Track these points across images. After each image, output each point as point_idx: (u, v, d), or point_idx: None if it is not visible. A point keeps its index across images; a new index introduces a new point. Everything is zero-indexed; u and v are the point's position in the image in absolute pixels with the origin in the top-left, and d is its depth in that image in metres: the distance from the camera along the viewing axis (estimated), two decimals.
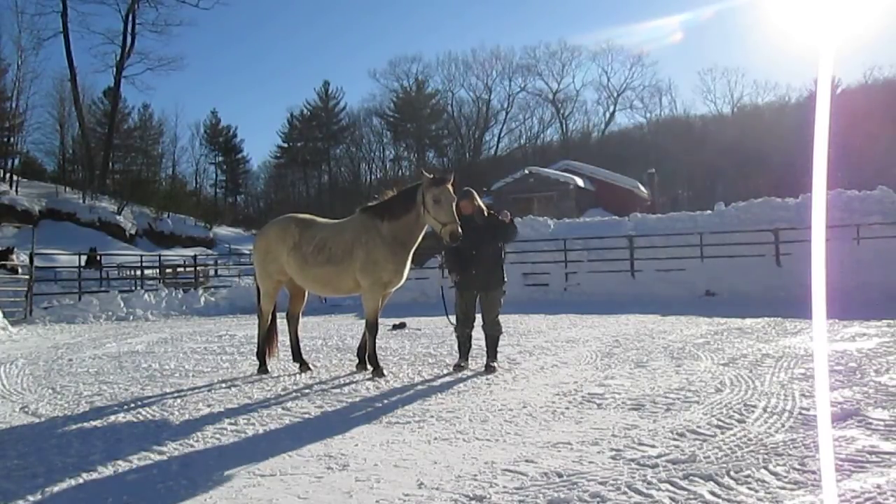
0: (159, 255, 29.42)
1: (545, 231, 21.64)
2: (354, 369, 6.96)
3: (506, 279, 6.81)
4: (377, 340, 6.86)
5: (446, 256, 6.83)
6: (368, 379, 6.40)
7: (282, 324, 7.44)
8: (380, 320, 6.93)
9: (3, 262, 21.51)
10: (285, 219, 7.26)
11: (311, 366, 7.16)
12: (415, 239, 6.59)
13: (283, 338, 7.41)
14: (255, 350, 7.35)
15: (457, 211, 6.34)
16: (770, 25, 74.16)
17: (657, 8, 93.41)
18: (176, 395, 5.98)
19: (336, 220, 7.19)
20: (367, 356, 6.76)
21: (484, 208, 6.80)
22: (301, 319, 7.46)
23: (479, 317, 6.86)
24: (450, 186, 6.30)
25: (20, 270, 19.20)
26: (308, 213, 7.52)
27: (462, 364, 6.79)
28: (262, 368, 7.03)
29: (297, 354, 7.17)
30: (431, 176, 6.34)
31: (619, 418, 4.50)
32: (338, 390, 5.95)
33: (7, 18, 66.49)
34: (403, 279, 6.76)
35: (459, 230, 6.12)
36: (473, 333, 6.94)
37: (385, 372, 6.57)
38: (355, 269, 6.54)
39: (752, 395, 4.97)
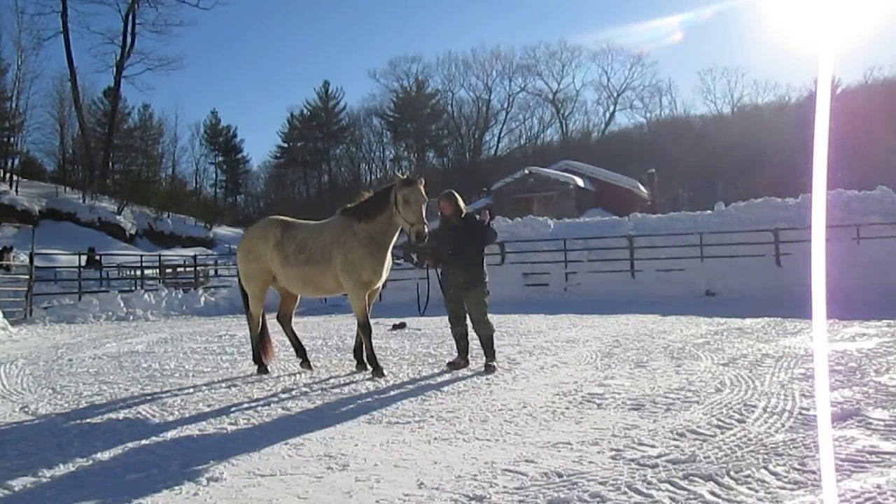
0: (159, 255, 29.42)
1: (545, 231, 21.64)
2: (354, 369, 6.95)
3: (487, 279, 6.85)
4: (375, 340, 6.88)
5: (419, 250, 6.99)
6: (368, 379, 6.39)
7: (274, 325, 7.41)
8: (380, 320, 6.95)
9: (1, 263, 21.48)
10: (266, 220, 7.41)
11: (311, 366, 7.16)
12: (390, 238, 6.66)
13: (282, 337, 7.41)
14: (251, 354, 7.31)
15: (438, 210, 6.74)
16: (770, 25, 74.30)
17: (657, 8, 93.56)
18: (176, 395, 5.98)
19: (317, 221, 7.29)
20: (365, 357, 6.76)
21: (462, 210, 6.92)
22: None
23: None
24: (421, 187, 6.41)
25: (12, 269, 19.15)
26: (304, 214, 7.58)
27: (458, 362, 6.82)
28: (262, 369, 7.04)
29: (299, 351, 7.19)
30: (404, 176, 6.48)
31: (619, 418, 4.50)
32: (338, 390, 5.95)
33: (7, 18, 66.73)
34: (384, 278, 6.83)
35: (426, 230, 6.22)
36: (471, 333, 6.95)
37: (385, 371, 6.57)
38: (335, 270, 6.62)
39: (752, 395, 4.97)
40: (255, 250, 7.06)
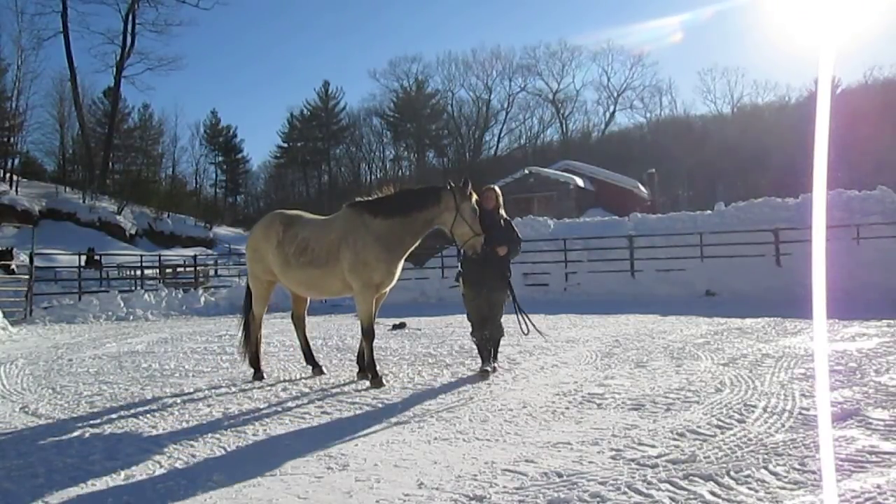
0: (159, 255, 29.39)
1: (545, 231, 21.63)
2: (356, 377, 6.53)
3: (511, 282, 6.62)
4: (374, 340, 6.40)
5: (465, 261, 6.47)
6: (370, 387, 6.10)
7: (277, 326, 7.39)
8: (380, 321, 6.87)
9: (2, 263, 21.45)
10: (271, 215, 6.93)
11: (324, 370, 6.83)
12: (416, 239, 6.24)
13: (282, 337, 7.38)
14: (247, 359, 6.81)
15: (480, 203, 6.25)
16: (770, 25, 74.21)
17: (657, 8, 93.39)
18: (176, 395, 5.98)
19: (322, 217, 6.83)
20: (365, 364, 6.28)
21: (502, 206, 6.64)
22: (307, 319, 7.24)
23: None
24: None
25: (16, 270, 19.16)
26: (303, 211, 7.16)
27: (487, 368, 6.37)
28: (258, 375, 6.66)
29: (309, 357, 6.88)
30: (465, 183, 6.08)
31: (619, 418, 4.50)
32: (338, 390, 5.95)
33: (7, 18, 66.79)
34: (395, 279, 6.37)
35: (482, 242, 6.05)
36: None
37: (384, 381, 6.10)
38: (343, 271, 6.12)
39: (752, 395, 4.97)
40: (259, 249, 6.67)
